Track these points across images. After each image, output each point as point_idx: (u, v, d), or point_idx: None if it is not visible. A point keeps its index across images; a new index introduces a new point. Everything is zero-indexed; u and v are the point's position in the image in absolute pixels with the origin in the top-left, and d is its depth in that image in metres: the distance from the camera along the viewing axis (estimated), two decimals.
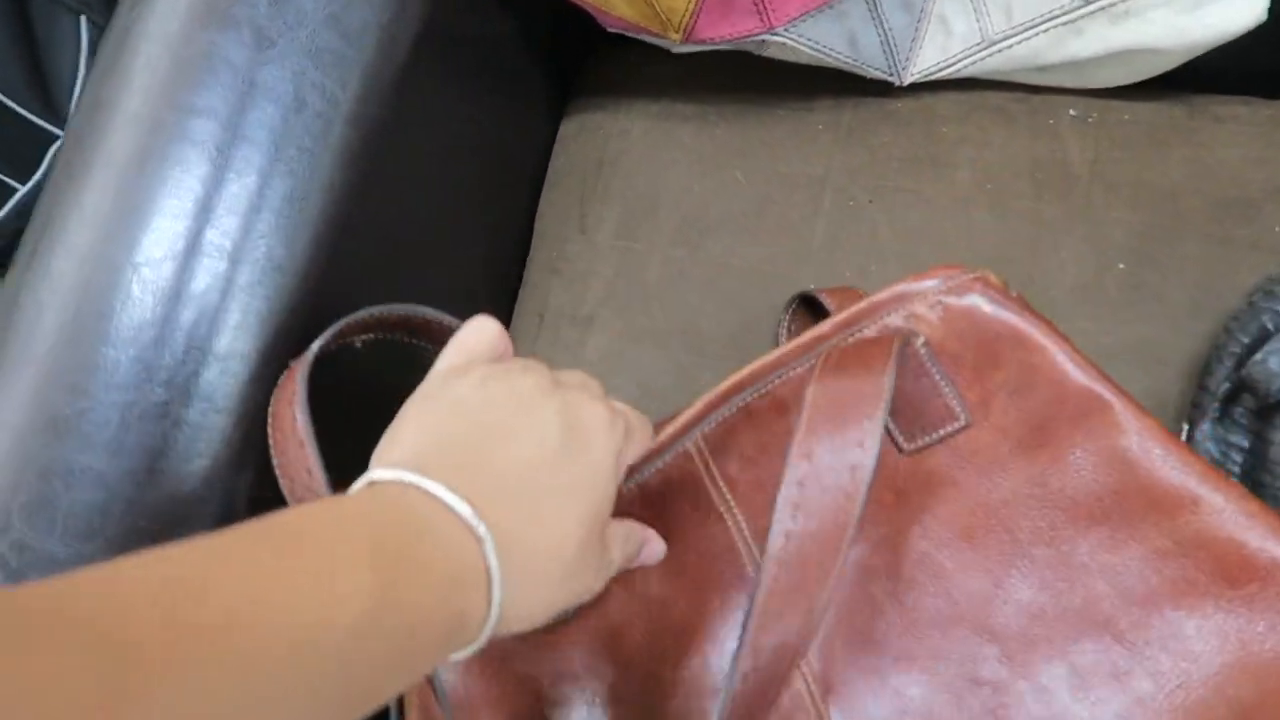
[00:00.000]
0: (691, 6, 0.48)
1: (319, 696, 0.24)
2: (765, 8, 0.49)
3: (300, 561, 0.25)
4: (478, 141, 0.53)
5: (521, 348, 0.56)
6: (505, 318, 0.59)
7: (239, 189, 0.41)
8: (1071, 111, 0.51)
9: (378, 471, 0.31)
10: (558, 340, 0.54)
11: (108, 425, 0.38)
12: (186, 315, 0.40)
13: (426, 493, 0.30)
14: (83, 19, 1.15)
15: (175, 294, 0.40)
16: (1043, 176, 0.50)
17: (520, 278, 0.59)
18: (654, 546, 0.39)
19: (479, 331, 0.38)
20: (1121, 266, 0.48)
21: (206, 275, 0.40)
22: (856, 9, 0.50)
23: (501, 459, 0.32)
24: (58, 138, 1.17)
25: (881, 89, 0.53)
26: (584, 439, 0.33)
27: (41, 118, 1.15)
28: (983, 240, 0.49)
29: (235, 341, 0.40)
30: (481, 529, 0.30)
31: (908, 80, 0.53)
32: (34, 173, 1.17)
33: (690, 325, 0.52)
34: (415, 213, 0.48)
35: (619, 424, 0.35)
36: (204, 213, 0.40)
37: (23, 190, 1.16)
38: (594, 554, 0.33)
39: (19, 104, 1.12)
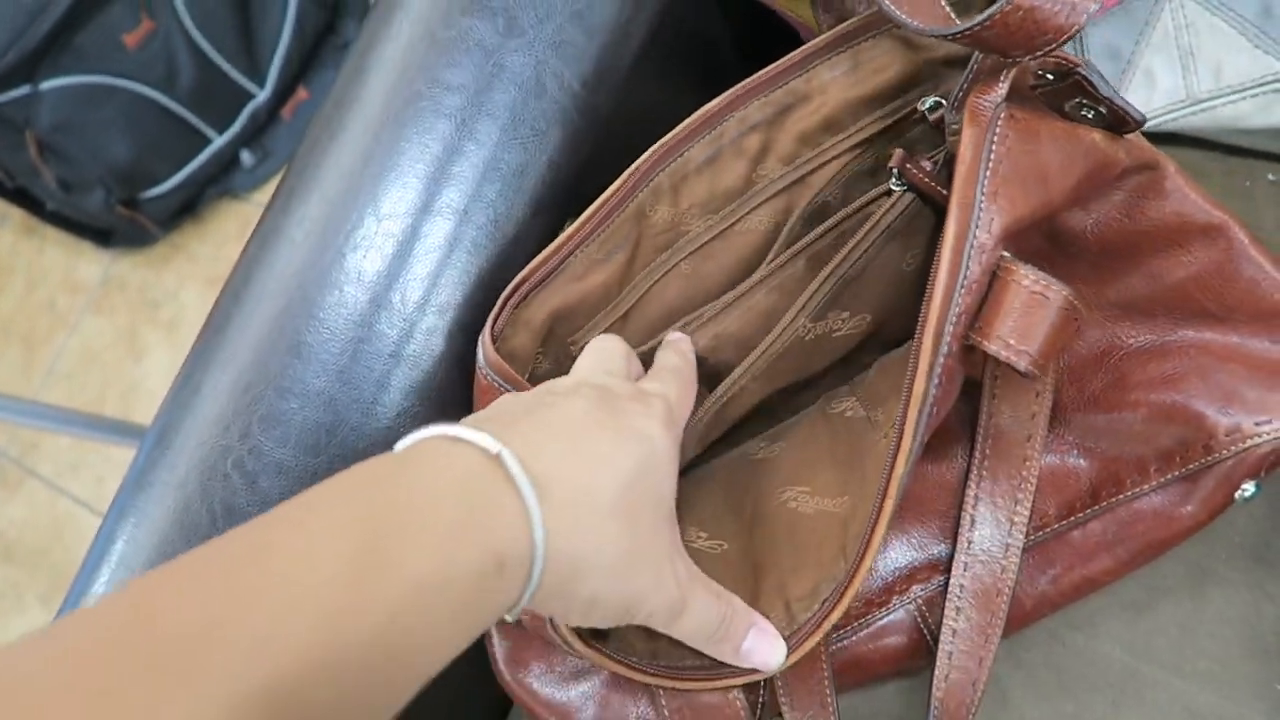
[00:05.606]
0: None
1: (335, 695, 0.23)
2: None
3: (262, 566, 0.23)
4: None
5: None
6: None
7: (476, 158, 0.45)
8: (1270, 176, 0.51)
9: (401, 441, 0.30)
10: None
11: (343, 355, 0.43)
12: (418, 266, 0.44)
13: (440, 436, 0.29)
14: None
15: (410, 245, 0.44)
16: None
17: None
18: (756, 644, 0.35)
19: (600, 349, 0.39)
20: None
21: (438, 232, 0.44)
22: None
23: (538, 415, 0.32)
24: (255, 96, 1.26)
25: None
26: (620, 412, 0.33)
27: (246, 76, 1.25)
28: None
29: (455, 293, 0.44)
30: (493, 444, 0.28)
31: None
32: (230, 127, 1.27)
33: None
34: None
35: (658, 405, 0.35)
36: (443, 176, 0.45)
37: (218, 141, 1.26)
38: (655, 535, 0.32)
39: (228, 61, 1.22)
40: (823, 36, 0.43)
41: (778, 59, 0.43)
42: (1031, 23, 0.30)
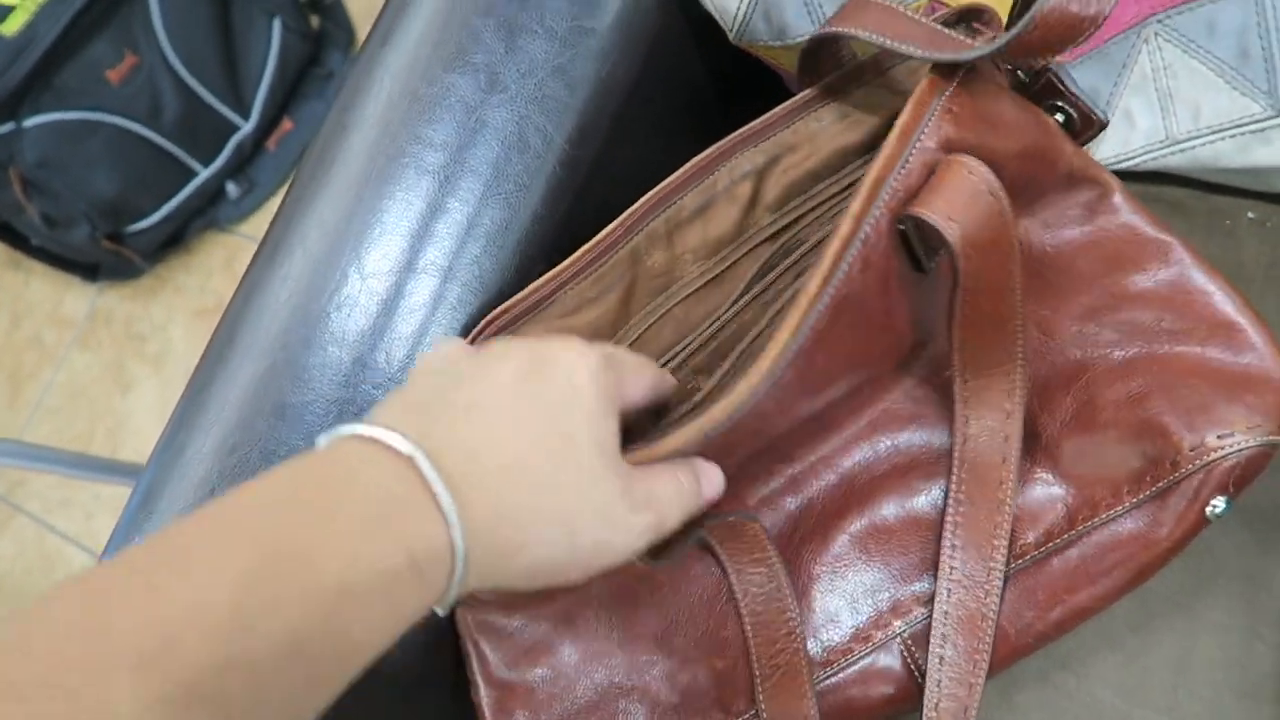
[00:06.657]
0: None
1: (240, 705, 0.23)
2: None
3: (162, 576, 0.24)
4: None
5: None
6: None
7: (459, 215, 0.45)
8: (1250, 214, 0.51)
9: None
10: None
11: (327, 416, 0.43)
12: (402, 325, 0.44)
13: (355, 435, 0.29)
14: (276, 21, 1.25)
15: (394, 305, 0.44)
16: None
17: None
18: (710, 479, 0.36)
19: None
20: None
21: (422, 290, 0.44)
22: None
23: (461, 393, 0.31)
24: (240, 128, 1.26)
25: None
26: (549, 366, 0.32)
27: (230, 109, 1.25)
28: None
29: None
30: (405, 444, 0.28)
31: None
32: (215, 159, 1.26)
33: None
34: None
35: (593, 353, 0.33)
36: (426, 234, 0.45)
37: (204, 174, 1.26)
38: (595, 485, 0.31)
39: (212, 94, 1.22)
40: (806, 92, 0.44)
41: (761, 107, 0.44)
42: (1069, 18, 0.33)
